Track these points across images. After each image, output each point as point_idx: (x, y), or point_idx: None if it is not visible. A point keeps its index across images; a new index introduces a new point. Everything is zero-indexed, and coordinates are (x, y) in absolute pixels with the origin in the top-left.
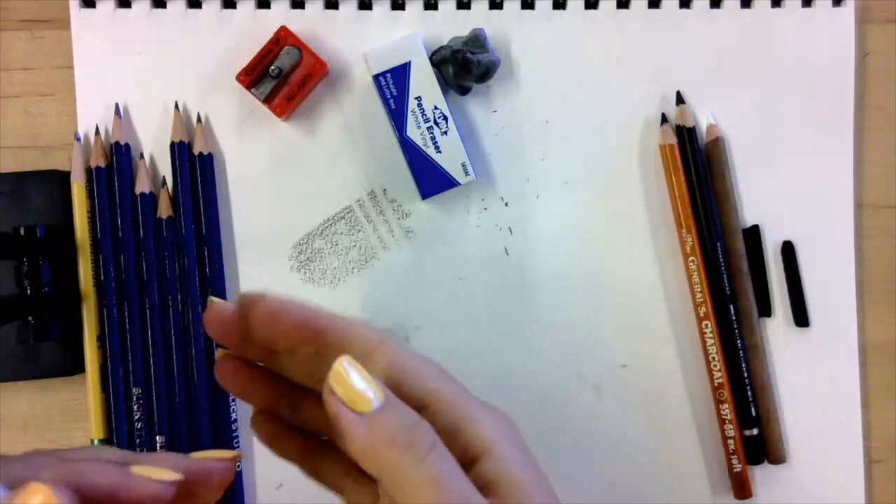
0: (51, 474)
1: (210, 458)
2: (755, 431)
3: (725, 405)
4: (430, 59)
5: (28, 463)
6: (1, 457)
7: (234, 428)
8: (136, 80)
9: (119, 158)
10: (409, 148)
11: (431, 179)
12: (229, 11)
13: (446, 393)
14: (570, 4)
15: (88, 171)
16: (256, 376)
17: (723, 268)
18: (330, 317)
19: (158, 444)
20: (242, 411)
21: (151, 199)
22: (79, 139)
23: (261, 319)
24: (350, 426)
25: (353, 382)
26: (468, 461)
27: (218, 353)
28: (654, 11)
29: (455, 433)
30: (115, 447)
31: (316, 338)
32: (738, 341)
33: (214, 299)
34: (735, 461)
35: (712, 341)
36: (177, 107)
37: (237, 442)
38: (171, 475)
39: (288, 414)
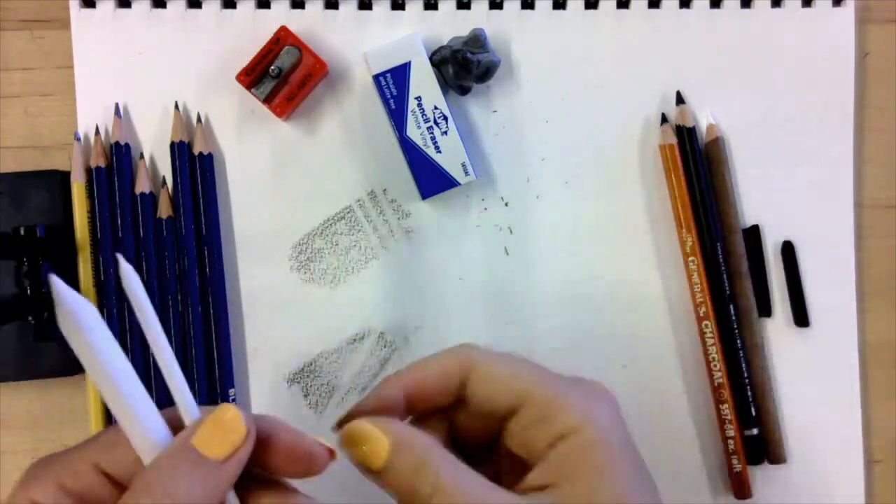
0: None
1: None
2: (755, 431)
3: (725, 405)
4: (430, 59)
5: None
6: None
7: None
8: (136, 80)
9: (119, 158)
10: (409, 148)
11: (431, 179)
12: (229, 11)
13: (536, 386)
14: (570, 4)
15: (88, 171)
16: None
17: (723, 268)
18: (412, 374)
19: None
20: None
21: (151, 199)
22: (79, 139)
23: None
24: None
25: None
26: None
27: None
28: (654, 11)
29: (544, 420)
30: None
31: (412, 402)
32: (738, 341)
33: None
34: (735, 461)
35: (712, 341)
36: (177, 107)
37: None
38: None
39: None
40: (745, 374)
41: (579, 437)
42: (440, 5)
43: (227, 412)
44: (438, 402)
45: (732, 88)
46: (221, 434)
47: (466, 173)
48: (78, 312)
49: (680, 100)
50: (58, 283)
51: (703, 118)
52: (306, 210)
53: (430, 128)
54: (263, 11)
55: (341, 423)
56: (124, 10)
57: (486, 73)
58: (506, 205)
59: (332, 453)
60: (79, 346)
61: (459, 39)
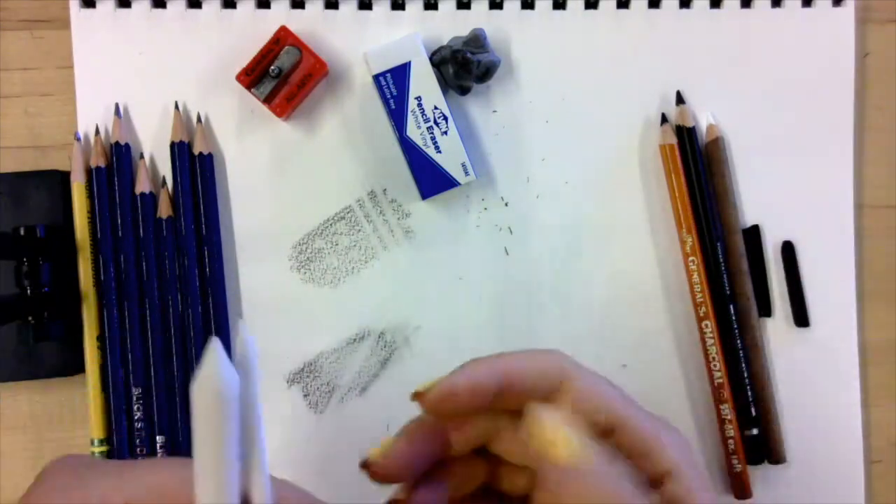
0: None
1: None
2: (755, 431)
3: (725, 405)
4: (430, 59)
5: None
6: None
7: None
8: (136, 80)
9: (119, 158)
10: (409, 148)
11: (431, 179)
12: (229, 11)
13: (631, 418)
14: (570, 4)
15: (88, 171)
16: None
17: (723, 268)
18: (509, 362)
19: (158, 444)
20: None
21: (151, 199)
22: (79, 139)
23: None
24: (559, 480)
25: (557, 436)
26: (656, 481)
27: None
28: (654, 11)
29: (644, 455)
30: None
31: (502, 391)
32: (738, 341)
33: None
34: (735, 461)
35: (712, 341)
36: (177, 107)
37: None
38: None
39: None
40: (745, 374)
41: (679, 484)
42: (440, 5)
43: None
44: (524, 400)
45: (732, 88)
46: None
47: (466, 173)
48: (230, 388)
49: (680, 100)
50: (218, 350)
51: (703, 118)
52: (306, 210)
53: (430, 128)
54: (263, 11)
55: (420, 394)
56: (124, 10)
57: (486, 73)
58: (506, 205)
59: None
60: (208, 412)
61: (459, 39)
